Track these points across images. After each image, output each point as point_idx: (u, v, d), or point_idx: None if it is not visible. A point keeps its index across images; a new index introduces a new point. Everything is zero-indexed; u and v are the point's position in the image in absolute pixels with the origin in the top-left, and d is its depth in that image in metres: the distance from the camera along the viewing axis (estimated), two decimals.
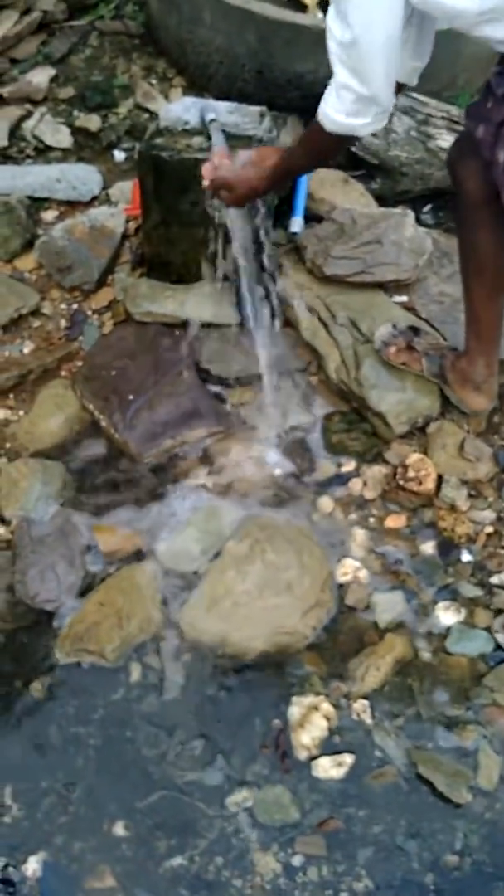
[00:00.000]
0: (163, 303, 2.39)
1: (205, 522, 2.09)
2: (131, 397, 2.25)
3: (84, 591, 1.98)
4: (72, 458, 2.21)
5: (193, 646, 1.91)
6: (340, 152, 1.95)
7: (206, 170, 2.01)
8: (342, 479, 2.19)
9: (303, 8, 3.11)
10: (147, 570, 2.01)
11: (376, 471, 2.19)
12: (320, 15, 3.14)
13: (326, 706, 1.82)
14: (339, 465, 2.22)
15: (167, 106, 2.51)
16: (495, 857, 1.68)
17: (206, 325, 2.38)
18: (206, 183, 2.02)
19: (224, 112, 2.21)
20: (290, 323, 2.44)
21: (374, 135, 2.68)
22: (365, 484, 2.18)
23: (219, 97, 2.46)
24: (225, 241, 2.26)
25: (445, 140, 2.71)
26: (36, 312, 2.43)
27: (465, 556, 2.07)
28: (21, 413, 2.28)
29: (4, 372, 2.31)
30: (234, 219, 2.14)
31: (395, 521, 2.13)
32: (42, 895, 1.61)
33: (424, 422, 2.25)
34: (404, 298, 2.46)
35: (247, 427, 2.27)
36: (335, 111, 1.65)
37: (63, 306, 2.47)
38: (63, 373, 2.35)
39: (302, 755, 1.77)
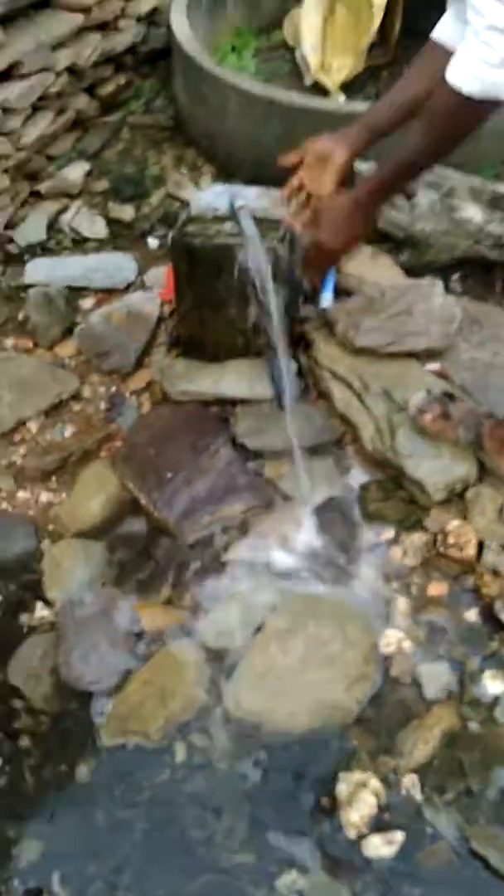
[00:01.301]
0: (198, 381, 2.44)
1: (245, 597, 2.10)
2: (169, 475, 2.29)
3: (128, 672, 1.98)
4: (113, 538, 2.24)
5: (238, 723, 1.89)
6: (476, 128, 1.52)
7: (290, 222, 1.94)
8: (382, 548, 2.19)
9: (325, 92, 3.24)
10: (189, 647, 2.01)
11: (416, 538, 2.19)
12: (342, 98, 3.25)
13: (375, 782, 1.79)
14: (379, 534, 2.22)
15: (197, 194, 2.60)
16: None
17: (242, 402, 2.42)
18: (302, 241, 1.93)
19: (253, 197, 2.29)
20: (323, 395, 2.47)
21: (398, 209, 2.75)
22: (405, 552, 2.18)
23: (248, 183, 2.54)
24: (260, 317, 2.33)
25: (469, 211, 2.76)
26: (76, 397, 2.50)
27: None
28: (63, 495, 2.33)
29: (47, 455, 2.37)
30: (269, 296, 2.20)
31: (437, 589, 2.11)
32: None
33: (462, 488, 2.24)
34: (437, 366, 2.48)
35: (284, 500, 2.29)
36: (481, 64, 1.39)
37: (102, 389, 2.54)
38: (103, 454, 2.41)
39: (351, 833, 1.74)
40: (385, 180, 1.69)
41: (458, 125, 1.48)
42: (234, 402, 2.43)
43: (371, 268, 2.73)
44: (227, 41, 3.50)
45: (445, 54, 1.62)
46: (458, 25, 1.63)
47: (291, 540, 2.21)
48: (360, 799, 1.77)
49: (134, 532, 2.26)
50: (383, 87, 3.44)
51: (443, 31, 1.67)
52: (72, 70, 2.99)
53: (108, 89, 3.20)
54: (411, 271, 2.73)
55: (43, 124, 2.97)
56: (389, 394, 2.38)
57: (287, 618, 2.03)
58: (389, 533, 2.22)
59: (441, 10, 1.73)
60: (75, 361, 2.59)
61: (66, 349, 2.61)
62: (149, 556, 2.20)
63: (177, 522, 2.21)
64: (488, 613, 2.05)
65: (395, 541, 2.20)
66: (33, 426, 2.45)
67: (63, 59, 2.92)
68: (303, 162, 1.86)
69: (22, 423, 2.44)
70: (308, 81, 3.35)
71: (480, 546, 2.15)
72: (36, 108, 2.94)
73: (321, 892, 1.68)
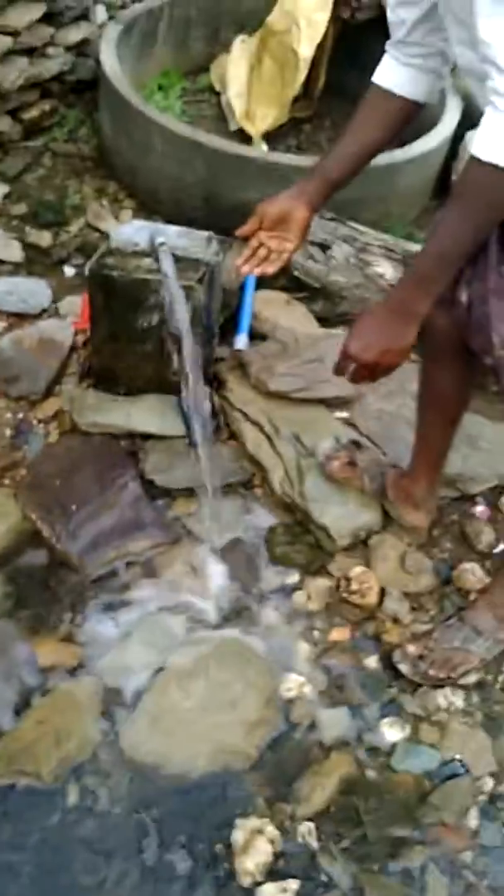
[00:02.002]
0: (109, 414, 2.41)
1: (147, 636, 2.06)
2: (74, 507, 2.24)
3: (21, 708, 1.91)
4: (12, 569, 2.16)
5: (134, 765, 1.84)
6: None
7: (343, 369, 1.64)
8: (286, 591, 2.20)
9: (248, 139, 3.30)
10: (87, 686, 1.95)
11: (320, 583, 2.21)
12: (265, 147, 3.32)
13: (271, 829, 1.76)
14: (284, 578, 2.23)
15: (118, 228, 2.59)
16: None
17: (152, 437, 2.41)
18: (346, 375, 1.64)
19: (173, 236, 2.29)
20: (234, 436, 2.48)
21: (315, 260, 2.82)
22: (309, 596, 2.19)
23: (168, 221, 2.55)
24: (174, 354, 2.32)
25: (382, 267, 2.85)
26: None
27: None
28: None
29: None
30: (184, 335, 2.20)
31: (339, 634, 2.13)
32: None
33: (367, 535, 2.28)
34: (346, 414, 2.53)
35: (191, 538, 2.27)
36: None
37: (9, 415, 2.47)
38: (6, 481, 2.34)
39: (246, 881, 1.71)
40: (426, 277, 1.49)
41: (502, 200, 1.36)
42: (144, 437, 2.41)
43: (286, 314, 2.77)
44: (154, 79, 3.53)
45: (391, 98, 1.70)
46: (399, 70, 1.69)
47: (197, 579, 2.19)
48: (255, 846, 1.74)
49: (34, 564, 2.19)
50: (305, 140, 3.54)
51: (385, 77, 1.70)
52: None
53: (32, 114, 3.17)
54: (324, 321, 2.80)
55: None
56: (299, 438, 2.41)
57: (188, 659, 2.01)
58: (294, 577, 2.23)
59: (363, 70, 1.78)
60: None
61: None
62: (48, 590, 2.14)
63: (80, 556, 2.17)
64: (388, 661, 2.07)
65: (299, 585, 2.22)
66: None
67: None
68: (259, 228, 1.80)
69: None
70: (232, 127, 3.41)
71: (382, 593, 2.18)
72: None
73: None
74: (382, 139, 1.75)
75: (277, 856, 1.75)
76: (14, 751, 1.83)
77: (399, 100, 1.71)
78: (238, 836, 1.76)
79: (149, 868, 1.72)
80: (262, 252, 1.81)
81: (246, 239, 1.83)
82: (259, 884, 1.71)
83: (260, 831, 1.76)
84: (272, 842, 1.75)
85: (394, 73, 1.70)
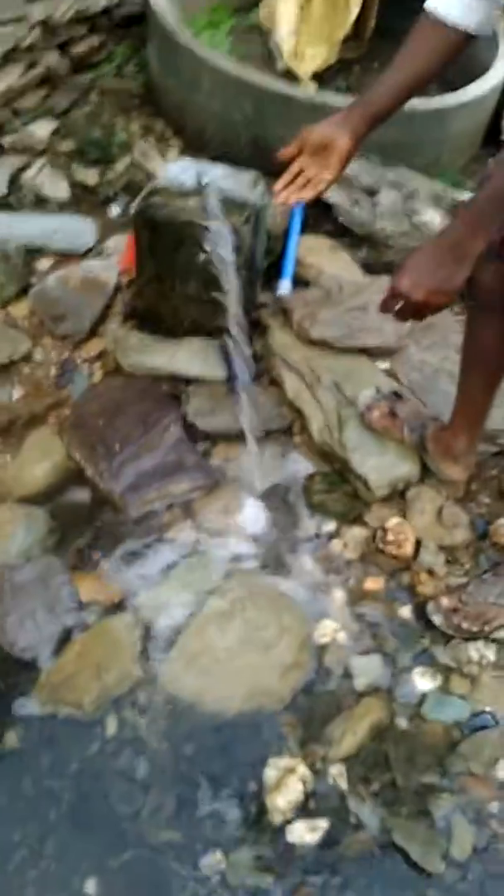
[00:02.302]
0: (152, 356, 2.42)
1: (186, 576, 2.10)
2: (117, 448, 2.26)
3: (63, 641, 1.96)
4: (56, 506, 2.21)
5: (171, 701, 1.90)
6: None
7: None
8: (323, 539, 2.22)
9: (296, 80, 3.23)
10: (127, 621, 2.00)
11: (356, 532, 2.23)
12: (313, 88, 3.25)
13: (302, 769, 1.82)
14: (320, 526, 2.25)
15: (165, 166, 2.57)
16: None
17: (195, 380, 2.41)
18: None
19: (220, 176, 2.27)
20: (275, 382, 2.48)
21: (361, 206, 2.78)
22: (345, 545, 2.21)
23: (214, 160, 2.52)
24: (216, 298, 2.32)
25: (429, 215, 2.81)
26: (27, 359, 2.45)
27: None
28: (8, 458, 2.28)
29: None
30: (228, 277, 2.19)
31: (373, 584, 2.15)
32: None
33: (405, 486, 2.29)
34: (387, 365, 2.52)
35: (230, 483, 2.29)
36: None
37: (54, 354, 2.49)
38: (51, 420, 2.36)
39: (277, 818, 1.76)
40: (482, 215, 1.45)
41: None
42: (186, 380, 2.42)
43: (330, 260, 2.75)
44: (202, 16, 3.45)
45: (442, 27, 1.65)
46: None
47: (236, 523, 2.22)
48: (287, 785, 1.79)
49: (77, 502, 2.23)
50: (354, 81, 3.46)
51: (437, 3, 1.66)
52: (45, 25, 2.90)
53: (80, 49, 3.12)
54: (369, 268, 2.76)
55: (12, 77, 2.88)
56: (340, 387, 2.41)
57: (226, 600, 2.04)
58: (331, 525, 2.25)
59: (414, 12, 1.73)
60: (28, 323, 2.53)
61: (20, 309, 2.54)
62: (92, 527, 2.18)
63: (122, 496, 2.20)
64: (421, 611, 2.09)
65: (336, 533, 2.23)
66: None
67: (37, 12, 2.84)
68: (301, 153, 1.76)
69: None
70: (280, 67, 3.33)
71: (418, 545, 2.20)
72: (6, 60, 2.85)
73: (244, 874, 1.69)
74: (431, 71, 1.70)
75: (308, 795, 1.80)
76: (56, 682, 1.88)
77: (450, 29, 1.65)
78: (270, 775, 1.81)
79: (183, 801, 1.78)
80: (301, 179, 1.78)
81: (285, 165, 1.79)
82: (289, 821, 1.76)
83: (292, 771, 1.81)
84: (303, 781, 1.80)
85: (444, 0, 1.65)
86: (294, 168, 1.78)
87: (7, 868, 1.67)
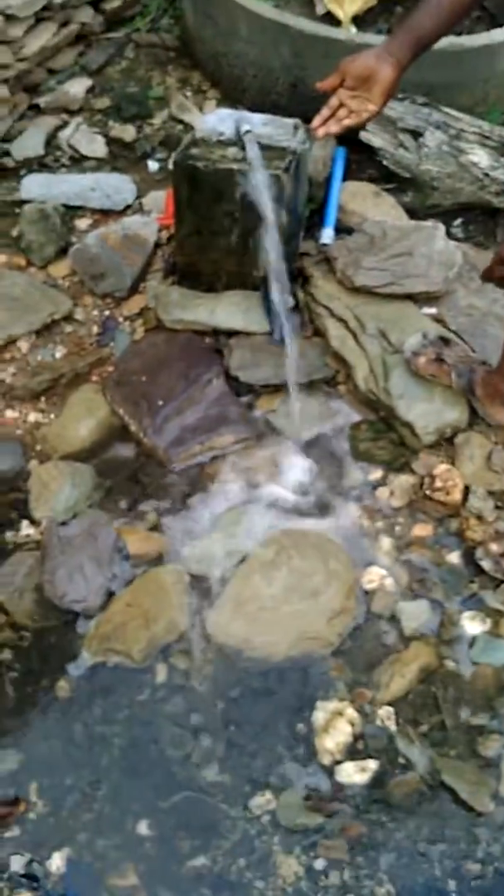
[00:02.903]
0: (193, 310, 2.41)
1: (231, 527, 2.11)
2: (161, 403, 2.27)
3: (111, 592, 1.99)
4: (101, 462, 2.23)
5: (219, 649, 1.92)
6: None
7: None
8: (369, 488, 2.20)
9: (337, 23, 3.15)
10: (174, 572, 2.02)
11: (403, 480, 2.20)
12: (354, 30, 3.17)
13: (351, 712, 1.83)
14: (367, 474, 2.23)
15: (202, 117, 2.54)
16: None
17: (236, 334, 2.40)
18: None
19: (258, 124, 2.24)
20: (319, 332, 2.46)
21: (406, 148, 2.71)
22: (392, 493, 2.19)
23: (252, 109, 2.48)
24: (257, 250, 2.30)
25: (477, 155, 2.73)
26: (69, 318, 2.46)
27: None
28: (52, 416, 2.31)
29: (37, 376, 2.34)
30: (269, 226, 2.16)
31: (421, 531, 2.13)
32: (65, 891, 1.62)
33: (452, 433, 2.25)
34: (434, 310, 2.47)
35: (275, 434, 2.29)
36: None
37: (95, 313, 2.50)
38: (94, 378, 2.38)
39: (326, 760, 1.78)
40: None
41: None
42: (228, 334, 2.41)
43: (374, 206, 2.69)
44: None
45: None
46: None
47: (280, 474, 2.22)
48: (335, 727, 1.80)
49: (122, 457, 2.25)
50: (396, 22, 3.36)
51: None
52: None
53: (113, 4, 3.08)
54: (414, 213, 2.71)
55: (45, 36, 2.87)
56: (385, 334, 2.37)
57: (272, 549, 2.05)
58: (377, 473, 2.23)
59: None
60: (69, 282, 2.54)
61: (60, 269, 2.56)
62: (136, 482, 2.20)
63: (166, 450, 2.21)
64: (470, 557, 2.07)
65: (382, 481, 2.22)
66: (24, 345, 2.41)
67: None
68: (341, 85, 1.67)
69: (12, 342, 2.40)
70: (320, 10, 3.25)
71: (466, 491, 2.16)
72: (39, 19, 2.84)
73: (293, 814, 1.72)
74: None
75: (357, 737, 1.81)
76: (105, 631, 1.92)
77: None
78: (319, 717, 1.82)
79: (233, 744, 1.80)
80: (342, 112, 1.71)
81: (326, 96, 1.72)
82: (339, 762, 1.78)
83: (340, 713, 1.82)
84: (352, 724, 1.81)
85: None
86: (333, 102, 1.71)
87: (61, 812, 1.72)
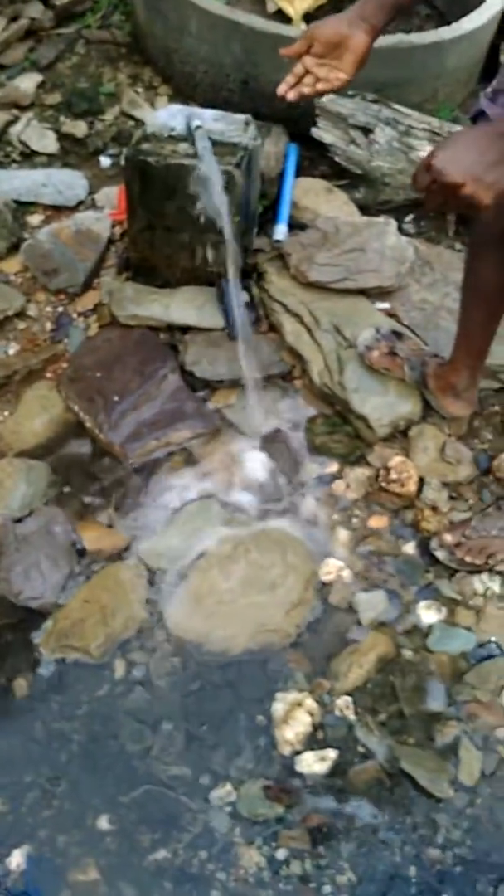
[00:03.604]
0: (148, 306, 2.41)
1: (188, 522, 2.11)
2: (116, 398, 2.26)
3: (68, 589, 1.98)
4: (56, 458, 2.21)
5: (177, 643, 1.92)
6: None
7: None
8: (325, 481, 2.22)
9: (288, 20, 3.17)
10: (131, 568, 2.02)
11: (359, 472, 2.22)
12: (304, 27, 3.19)
13: (310, 702, 1.84)
14: (322, 467, 2.25)
15: (154, 112, 2.53)
16: (477, 851, 1.71)
17: (191, 329, 2.40)
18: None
19: (210, 119, 2.24)
20: (274, 328, 2.47)
21: (357, 145, 2.74)
22: (348, 485, 2.21)
23: (204, 106, 2.48)
24: (211, 245, 2.30)
25: (426, 151, 2.76)
26: (21, 314, 2.44)
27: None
28: (6, 414, 2.29)
29: None
30: (222, 222, 2.17)
31: (377, 522, 2.16)
32: (26, 888, 1.61)
33: (406, 425, 2.28)
34: (387, 305, 2.49)
35: (231, 429, 2.29)
36: None
37: (48, 309, 2.48)
38: (48, 374, 2.36)
39: (285, 750, 1.79)
40: None
41: None
42: (183, 329, 2.41)
43: (326, 202, 2.71)
44: None
45: None
46: None
47: (237, 468, 2.22)
48: (295, 718, 1.81)
49: (78, 454, 2.24)
50: None
51: None
52: None
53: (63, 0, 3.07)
54: (366, 209, 2.73)
55: None
56: (339, 329, 2.39)
57: (229, 544, 2.05)
58: (333, 466, 2.25)
59: None
60: (21, 278, 2.52)
61: (12, 265, 2.53)
62: (92, 478, 2.19)
63: (122, 446, 2.20)
64: (425, 548, 2.10)
65: (338, 474, 2.23)
66: None
67: None
68: (308, 52, 1.56)
69: None
70: (271, 8, 3.27)
71: (421, 482, 2.19)
72: None
73: (254, 805, 1.72)
74: None
75: (316, 727, 1.82)
76: (63, 628, 1.91)
77: None
78: (278, 708, 1.83)
79: (192, 737, 1.80)
80: (309, 80, 1.59)
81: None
82: (298, 752, 1.79)
83: (299, 704, 1.83)
84: (311, 714, 1.82)
85: None
86: (298, 69, 1.58)
87: (20, 809, 1.71)
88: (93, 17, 3.14)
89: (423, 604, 2.01)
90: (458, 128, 2.83)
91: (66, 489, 2.17)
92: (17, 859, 1.64)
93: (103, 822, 1.70)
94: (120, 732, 1.80)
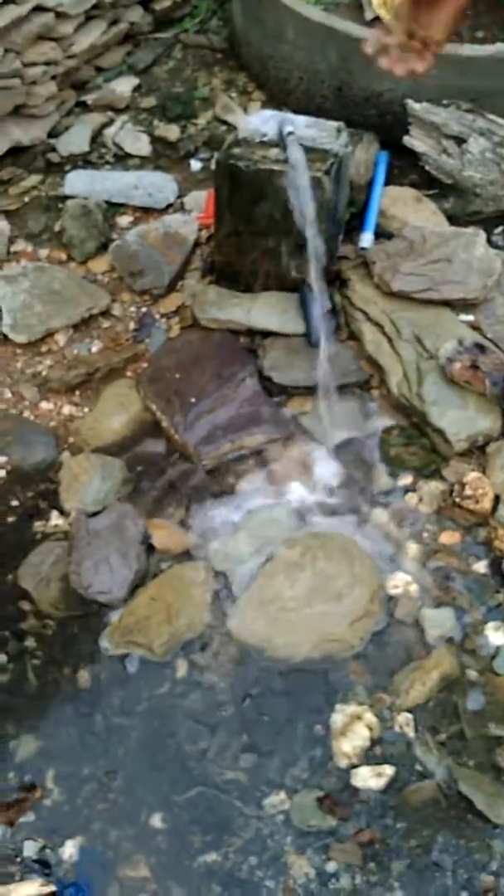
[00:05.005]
0: (229, 310, 2.42)
1: (258, 526, 2.11)
2: (193, 400, 2.28)
3: (136, 586, 2.01)
4: (132, 456, 2.25)
5: (240, 647, 1.92)
6: None
7: None
8: (398, 493, 2.19)
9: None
10: (199, 568, 2.03)
11: (433, 486, 2.19)
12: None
13: (369, 716, 1.82)
14: (396, 479, 2.22)
15: (246, 117, 2.55)
16: None
17: (271, 334, 2.41)
18: None
19: (302, 126, 2.24)
20: (354, 336, 2.45)
21: (449, 154, 2.70)
22: (421, 499, 2.18)
23: (297, 112, 2.49)
24: (296, 252, 2.30)
25: None
26: (106, 313, 2.49)
27: None
28: (86, 410, 2.33)
29: (72, 369, 2.37)
30: (309, 228, 2.17)
31: (449, 538, 2.12)
32: (77, 879, 1.63)
33: (484, 441, 2.23)
34: (471, 318, 2.45)
35: (305, 436, 2.29)
36: None
37: (132, 309, 2.52)
38: (128, 373, 2.40)
39: (342, 763, 1.77)
40: None
41: None
42: (263, 334, 2.42)
43: (414, 211, 2.68)
44: None
45: None
46: None
47: (309, 475, 2.22)
48: (353, 731, 1.80)
49: (153, 453, 2.27)
50: None
51: None
52: None
53: (163, 4, 3.12)
54: (455, 220, 2.69)
55: (95, 34, 2.90)
56: (421, 340, 2.36)
57: (297, 550, 2.04)
58: (407, 479, 2.22)
59: None
60: (108, 278, 2.57)
61: (100, 265, 2.58)
62: (166, 478, 2.21)
63: (196, 447, 2.22)
64: (497, 567, 2.05)
65: (412, 487, 2.20)
66: (61, 339, 2.44)
67: None
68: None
69: (50, 335, 2.44)
70: (368, 16, 3.25)
71: (496, 500, 2.14)
72: (89, 17, 2.88)
73: (307, 815, 1.71)
74: None
75: (374, 742, 1.80)
76: (128, 624, 1.93)
77: None
78: (337, 720, 1.82)
79: (249, 742, 1.80)
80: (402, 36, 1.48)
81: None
82: (355, 766, 1.77)
83: (359, 717, 1.81)
84: (370, 728, 1.80)
85: None
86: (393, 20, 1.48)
87: (76, 801, 1.74)
88: (191, 23, 3.18)
89: (491, 625, 1.97)
90: None
91: (140, 487, 2.20)
92: (69, 850, 1.67)
93: (156, 820, 1.71)
94: (178, 732, 1.81)
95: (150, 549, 2.07)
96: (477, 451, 2.24)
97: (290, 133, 2.18)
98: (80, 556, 2.02)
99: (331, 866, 1.66)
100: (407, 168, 2.76)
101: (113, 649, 1.92)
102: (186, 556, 2.07)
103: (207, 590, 2.00)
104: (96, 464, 2.19)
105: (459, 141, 2.70)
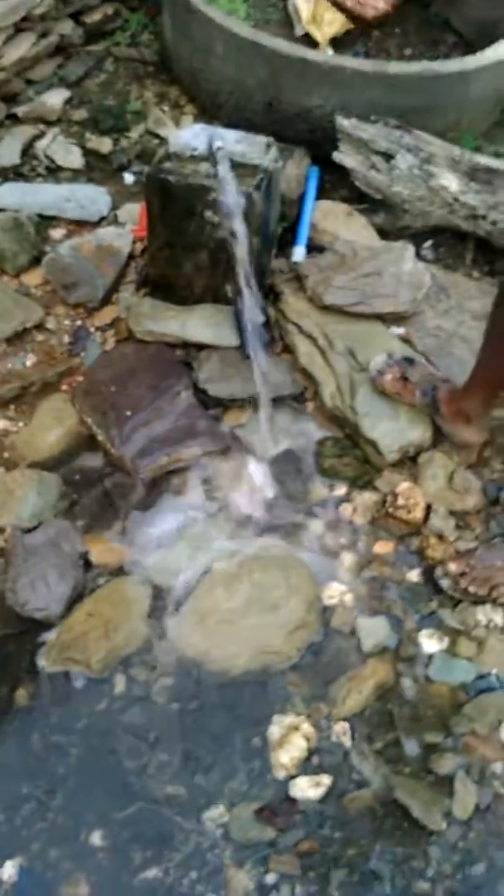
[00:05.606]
0: (164, 322, 2.43)
1: (195, 539, 2.12)
2: (129, 413, 2.28)
3: (73, 602, 1.99)
4: (68, 471, 2.24)
5: (178, 660, 1.93)
6: None
7: None
8: (333, 504, 2.23)
9: (314, 44, 3.19)
10: (136, 583, 2.03)
11: (367, 497, 2.23)
12: (330, 52, 3.22)
13: (306, 727, 1.84)
14: (331, 490, 2.25)
15: (176, 132, 2.56)
16: (467, 886, 1.70)
17: (206, 347, 2.42)
18: None
19: (232, 140, 2.26)
20: (288, 349, 2.48)
21: (377, 170, 2.75)
22: (355, 510, 2.22)
23: (228, 126, 2.51)
24: (228, 265, 2.32)
25: (447, 179, 2.77)
26: (40, 327, 2.47)
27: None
28: (21, 424, 2.31)
29: (6, 384, 2.34)
30: (240, 243, 2.18)
31: (382, 548, 2.16)
32: None
33: (416, 451, 2.28)
34: (401, 330, 2.50)
35: (241, 448, 2.31)
36: None
37: (67, 322, 2.51)
38: (64, 387, 2.39)
39: (280, 774, 1.79)
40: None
41: None
42: (198, 347, 2.43)
43: (345, 226, 2.72)
44: None
45: None
46: None
47: (245, 488, 2.23)
48: (291, 742, 1.82)
49: (89, 467, 2.26)
50: (372, 46, 3.41)
51: None
52: None
53: (94, 17, 3.10)
54: (385, 234, 2.74)
55: (24, 46, 2.88)
56: (353, 353, 2.40)
57: (234, 563, 2.06)
58: (341, 490, 2.26)
59: None
60: (41, 291, 2.55)
61: (33, 278, 2.56)
62: (103, 492, 2.20)
63: (133, 460, 2.22)
64: (430, 576, 2.10)
65: (346, 498, 2.24)
66: None
67: None
68: None
69: None
70: (298, 32, 3.29)
71: (428, 510, 2.19)
72: (19, 29, 2.85)
73: (245, 828, 1.73)
74: None
75: (312, 752, 1.82)
76: (66, 640, 1.92)
77: None
78: (274, 731, 1.83)
79: (188, 756, 1.81)
80: None
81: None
82: (292, 777, 1.79)
83: (296, 728, 1.84)
84: (307, 738, 1.82)
85: None
86: None
87: (14, 820, 1.72)
88: (122, 36, 3.18)
89: (424, 632, 2.01)
90: (480, 157, 2.83)
91: (77, 501, 2.19)
92: (8, 871, 1.65)
93: (96, 838, 1.71)
94: (117, 748, 1.81)
95: (88, 564, 2.06)
96: (409, 462, 2.29)
97: (220, 148, 2.19)
98: (16, 574, 2.00)
99: (270, 878, 1.68)
100: (338, 183, 2.80)
101: (50, 666, 1.90)
102: (124, 570, 2.06)
103: (145, 603, 2.00)
104: (32, 479, 2.18)
105: (388, 157, 2.76)
